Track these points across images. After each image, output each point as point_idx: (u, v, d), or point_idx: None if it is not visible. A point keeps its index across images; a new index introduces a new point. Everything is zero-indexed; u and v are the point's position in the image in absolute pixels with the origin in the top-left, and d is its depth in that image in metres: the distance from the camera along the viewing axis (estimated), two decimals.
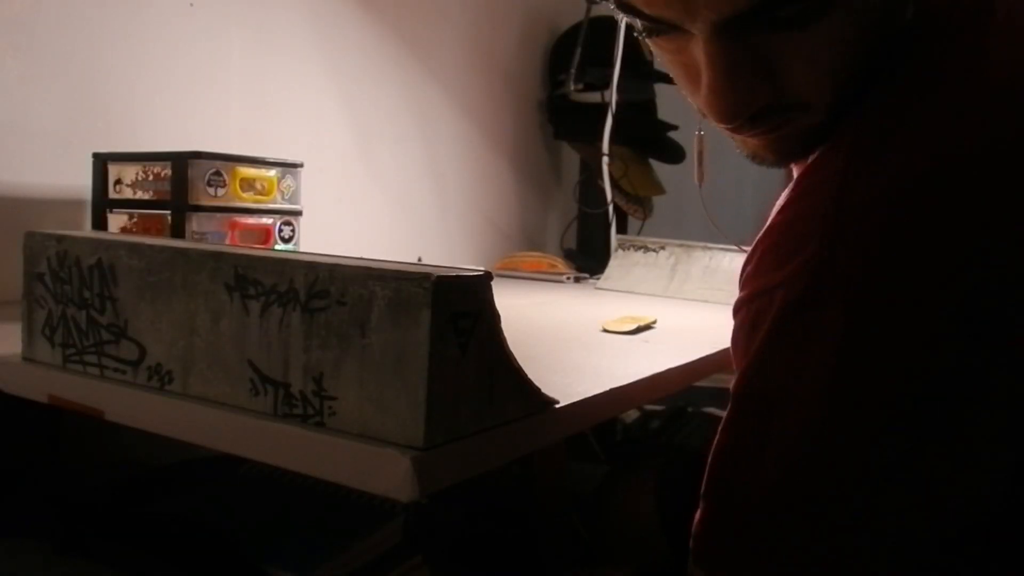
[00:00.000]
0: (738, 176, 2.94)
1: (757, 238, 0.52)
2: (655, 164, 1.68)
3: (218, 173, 0.78)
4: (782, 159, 0.53)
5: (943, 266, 0.42)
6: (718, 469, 0.49)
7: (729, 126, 0.49)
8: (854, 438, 0.44)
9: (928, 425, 0.42)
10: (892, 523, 0.43)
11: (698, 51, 0.47)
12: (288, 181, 0.85)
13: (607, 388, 0.52)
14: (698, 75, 0.48)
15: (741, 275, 0.52)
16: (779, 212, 0.50)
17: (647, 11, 0.47)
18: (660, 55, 0.52)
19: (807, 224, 0.46)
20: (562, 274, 1.36)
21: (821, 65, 0.47)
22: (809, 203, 0.47)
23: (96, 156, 0.83)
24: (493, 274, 0.40)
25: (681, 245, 1.21)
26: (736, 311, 0.51)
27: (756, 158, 0.54)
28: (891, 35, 0.48)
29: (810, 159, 0.51)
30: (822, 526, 0.44)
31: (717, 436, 0.49)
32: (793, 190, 0.50)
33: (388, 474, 0.36)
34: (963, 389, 0.42)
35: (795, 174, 0.56)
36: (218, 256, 0.43)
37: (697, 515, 0.50)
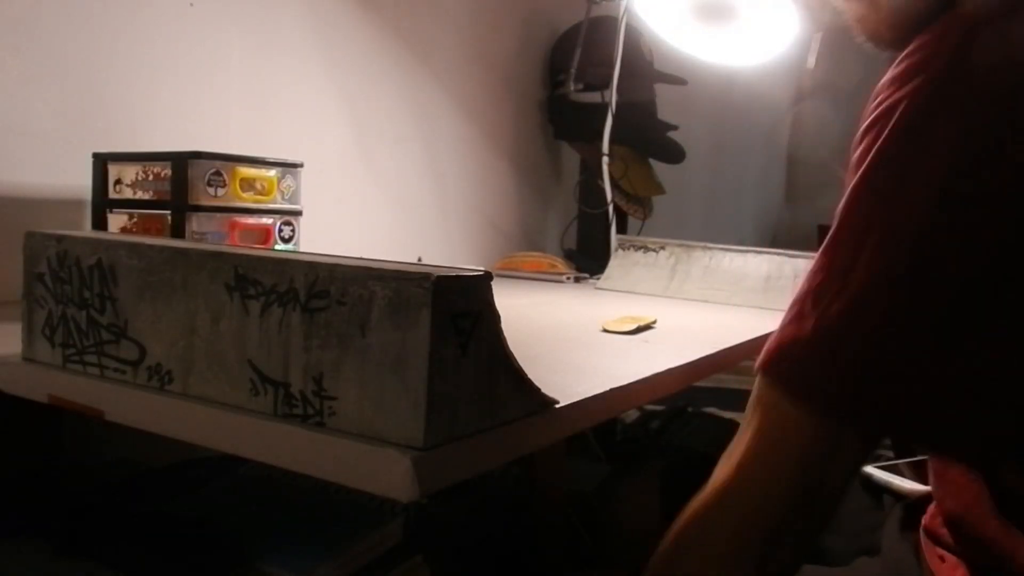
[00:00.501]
0: (738, 177, 2.95)
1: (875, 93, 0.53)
2: (655, 164, 1.68)
3: (218, 173, 0.78)
4: (900, 37, 0.54)
5: None
6: (807, 285, 0.50)
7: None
8: (951, 255, 0.45)
9: None
10: (973, 350, 0.45)
11: None
12: (288, 181, 0.85)
13: (607, 388, 0.52)
14: None
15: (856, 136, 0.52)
16: (896, 64, 0.50)
17: None
18: None
19: (932, 54, 0.47)
20: (562, 274, 1.36)
21: None
22: (933, 45, 0.48)
23: (96, 156, 0.83)
24: (493, 274, 0.40)
25: (681, 245, 1.21)
26: (856, 145, 0.51)
27: (874, 38, 0.56)
28: None
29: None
30: (901, 343, 0.46)
31: (816, 260, 0.50)
32: (912, 51, 0.50)
33: (388, 474, 0.36)
34: None
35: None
36: (218, 256, 0.43)
37: (775, 333, 0.51)
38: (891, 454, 0.99)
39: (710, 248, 1.19)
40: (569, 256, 1.64)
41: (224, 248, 0.47)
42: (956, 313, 0.45)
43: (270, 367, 0.41)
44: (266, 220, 0.83)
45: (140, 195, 0.82)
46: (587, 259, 1.55)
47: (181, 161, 0.77)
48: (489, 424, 0.41)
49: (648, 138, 1.63)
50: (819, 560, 0.81)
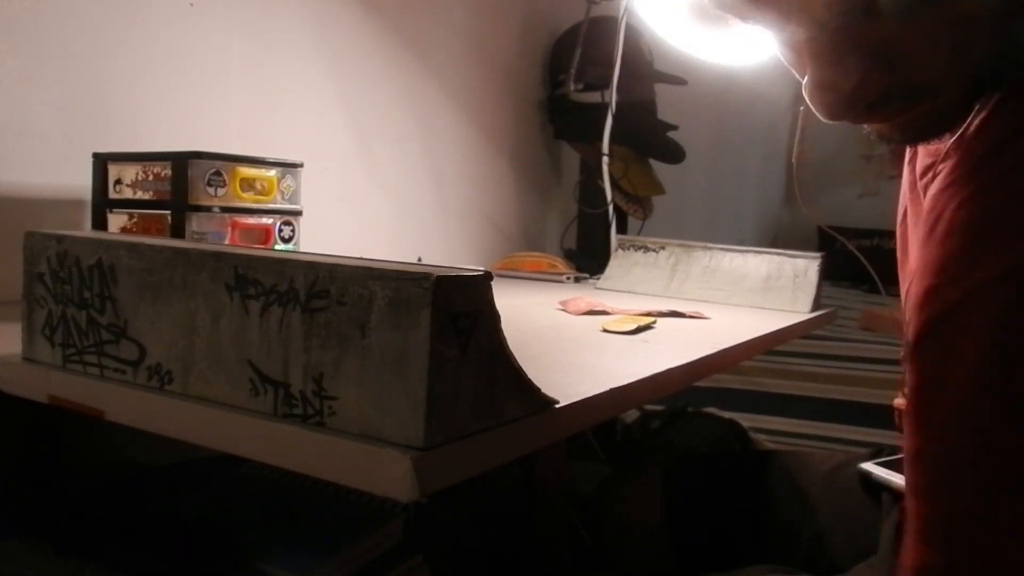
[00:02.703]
0: (738, 177, 2.95)
1: (923, 244, 0.45)
2: (655, 164, 1.68)
3: (218, 173, 0.78)
4: (912, 140, 0.49)
5: None
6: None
7: (838, 122, 0.45)
8: None
9: None
10: None
11: (801, 40, 0.43)
12: (288, 181, 0.85)
13: (607, 388, 0.52)
14: (805, 62, 0.44)
15: (921, 295, 0.44)
16: (958, 207, 0.43)
17: (742, 12, 0.44)
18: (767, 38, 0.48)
19: (1009, 213, 0.40)
20: (562, 274, 1.36)
21: (948, 45, 0.42)
22: (1006, 189, 0.41)
23: (96, 156, 0.83)
24: (493, 274, 0.40)
25: (681, 245, 1.21)
26: (919, 344, 0.43)
27: (882, 138, 0.49)
28: None
29: (964, 137, 0.46)
30: None
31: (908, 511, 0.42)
32: (966, 180, 0.43)
33: (388, 474, 0.36)
34: None
35: (918, 152, 0.52)
36: (218, 256, 0.43)
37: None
38: (890, 449, 0.99)
39: (710, 248, 1.19)
40: (569, 256, 1.64)
41: (224, 248, 0.47)
42: None
43: (270, 367, 0.41)
44: (266, 220, 0.83)
45: (140, 195, 0.82)
46: (587, 259, 1.55)
47: (181, 161, 0.77)
48: (489, 424, 0.41)
49: (648, 138, 1.63)
50: (819, 558, 0.81)
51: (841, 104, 0.44)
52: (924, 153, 0.53)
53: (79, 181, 0.85)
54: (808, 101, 0.46)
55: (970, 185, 0.43)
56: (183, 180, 0.77)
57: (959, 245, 0.42)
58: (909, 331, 0.44)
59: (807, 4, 0.41)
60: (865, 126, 0.49)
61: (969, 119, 0.46)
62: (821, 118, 0.46)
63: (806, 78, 0.45)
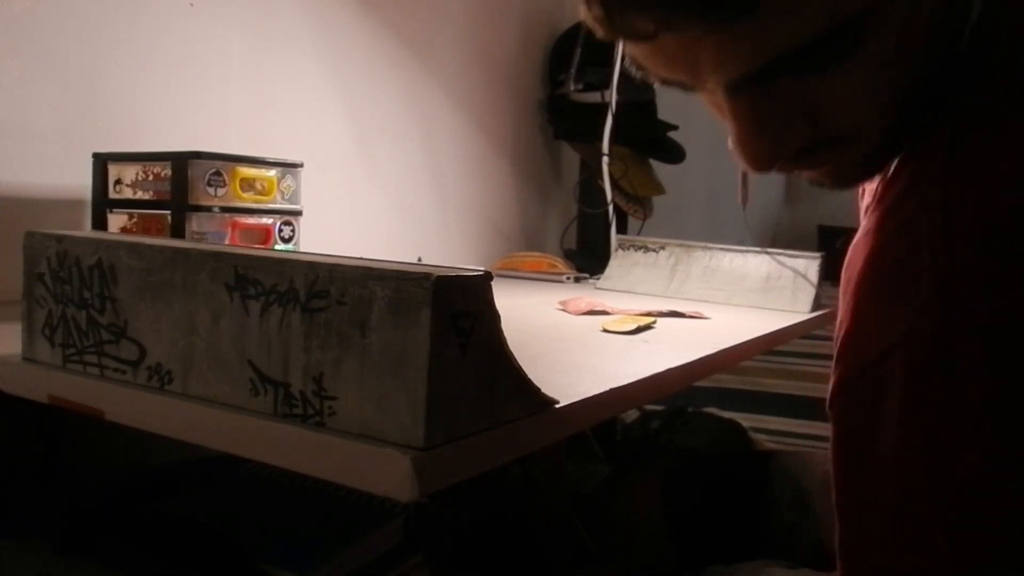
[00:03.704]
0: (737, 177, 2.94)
1: (843, 294, 0.46)
2: (655, 164, 1.68)
3: (218, 173, 0.78)
4: (840, 184, 0.49)
5: None
6: None
7: (764, 173, 0.45)
8: None
9: None
10: None
11: (720, 100, 0.43)
12: (288, 181, 0.85)
13: (607, 388, 0.52)
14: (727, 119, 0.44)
15: (838, 346, 0.45)
16: (867, 259, 0.44)
17: (657, 74, 0.44)
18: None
19: (910, 266, 0.41)
20: (562, 274, 1.36)
21: (863, 97, 0.42)
22: (906, 241, 0.42)
23: (96, 156, 0.83)
24: (493, 274, 0.40)
25: (681, 245, 1.21)
26: (836, 398, 0.44)
27: (813, 183, 0.50)
28: (951, 52, 0.44)
29: (882, 183, 0.46)
30: None
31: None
32: (876, 229, 0.44)
33: (388, 474, 0.36)
34: None
35: (864, 189, 0.53)
36: (218, 256, 0.43)
37: None
38: None
39: (710, 248, 1.19)
40: (569, 256, 1.64)
41: (224, 248, 0.47)
42: None
43: (270, 367, 0.41)
44: (266, 220, 0.83)
45: (140, 195, 0.82)
46: (587, 259, 1.55)
47: (181, 161, 0.77)
48: (489, 424, 0.41)
49: (648, 138, 1.63)
50: (819, 557, 0.81)
51: (764, 159, 0.44)
52: (869, 193, 0.54)
53: (79, 181, 0.85)
54: (734, 154, 0.46)
55: (872, 241, 0.44)
56: (183, 180, 0.77)
57: (863, 306, 0.43)
58: (831, 379, 0.45)
59: (720, 65, 0.40)
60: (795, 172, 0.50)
61: (889, 164, 0.46)
62: (749, 170, 0.46)
63: (729, 134, 0.45)
